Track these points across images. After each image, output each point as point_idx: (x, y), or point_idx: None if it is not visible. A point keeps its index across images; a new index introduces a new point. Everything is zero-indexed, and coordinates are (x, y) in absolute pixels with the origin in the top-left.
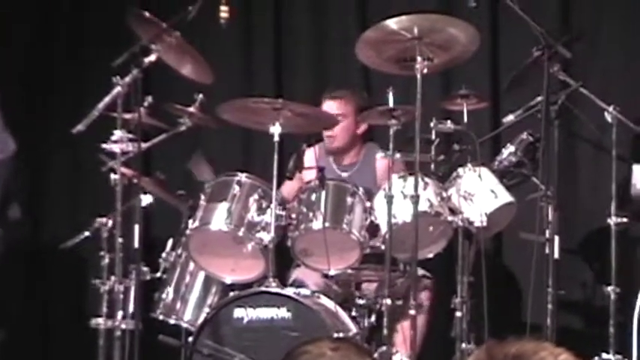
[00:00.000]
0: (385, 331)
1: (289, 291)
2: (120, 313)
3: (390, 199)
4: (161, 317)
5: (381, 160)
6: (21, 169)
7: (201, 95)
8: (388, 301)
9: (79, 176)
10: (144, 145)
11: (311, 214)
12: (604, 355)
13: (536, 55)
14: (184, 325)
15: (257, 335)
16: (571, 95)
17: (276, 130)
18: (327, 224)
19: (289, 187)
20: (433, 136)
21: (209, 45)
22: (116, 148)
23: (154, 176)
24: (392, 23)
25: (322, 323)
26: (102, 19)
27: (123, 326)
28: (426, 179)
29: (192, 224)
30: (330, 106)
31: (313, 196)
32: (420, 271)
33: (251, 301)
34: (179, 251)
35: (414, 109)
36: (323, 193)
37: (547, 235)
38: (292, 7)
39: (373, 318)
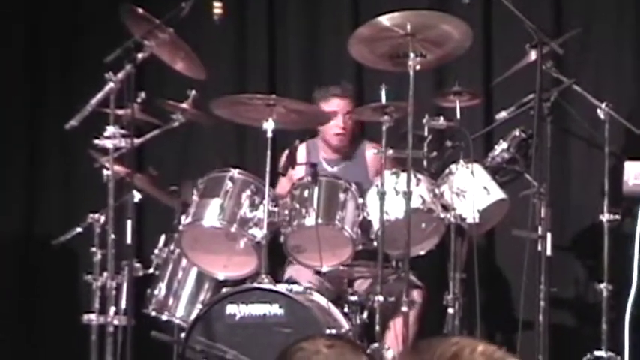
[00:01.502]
0: (377, 328)
1: (282, 287)
2: (112, 309)
3: (382, 195)
4: (153, 313)
5: (373, 156)
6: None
7: (194, 91)
8: (380, 298)
9: (72, 172)
10: (137, 141)
11: (303, 211)
12: (596, 352)
13: (529, 59)
14: (177, 321)
15: (249, 331)
16: (564, 92)
17: (269, 126)
18: (319, 221)
19: (282, 184)
20: (426, 133)
21: (202, 41)
22: (109, 144)
23: (147, 172)
24: (385, 20)
25: (314, 320)
26: (95, 15)
27: (115, 322)
28: (419, 176)
29: (185, 220)
30: (338, 104)
31: (306, 193)
32: (411, 277)
33: (243, 298)
34: (171, 247)
35: (406, 105)
36: (315, 190)
37: (539, 231)
38: (285, 4)
39: (365, 314)
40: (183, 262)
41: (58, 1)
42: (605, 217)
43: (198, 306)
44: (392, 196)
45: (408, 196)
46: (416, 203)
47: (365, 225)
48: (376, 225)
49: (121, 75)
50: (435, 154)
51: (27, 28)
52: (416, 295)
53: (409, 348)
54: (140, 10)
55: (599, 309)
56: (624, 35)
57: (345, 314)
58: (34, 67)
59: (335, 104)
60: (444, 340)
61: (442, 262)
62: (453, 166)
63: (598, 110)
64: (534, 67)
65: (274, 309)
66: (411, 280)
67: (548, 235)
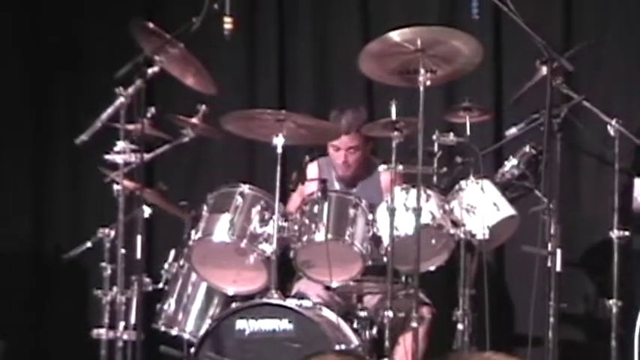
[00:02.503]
0: (387, 344)
1: (291, 302)
2: (122, 324)
3: (392, 211)
4: (163, 328)
5: (384, 173)
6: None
7: (204, 106)
8: (390, 314)
9: (82, 187)
10: (146, 156)
11: (313, 226)
12: None
13: (541, 75)
14: (186, 336)
15: (259, 347)
16: (574, 108)
17: (279, 141)
18: (329, 236)
19: (292, 200)
20: (436, 149)
21: (213, 56)
22: (119, 159)
23: (157, 187)
24: (395, 35)
25: (324, 335)
26: (105, 30)
27: (125, 337)
28: (429, 192)
29: (195, 235)
30: (340, 140)
31: (316, 208)
32: (420, 295)
33: (253, 313)
34: (181, 262)
35: (416, 121)
36: (325, 205)
37: (549, 248)
38: (296, 20)
39: (375, 330)
40: (193, 277)
41: (69, 15)
42: (615, 234)
43: (208, 321)
44: (402, 212)
45: (417, 212)
46: (426, 219)
47: (375, 241)
48: (386, 241)
49: (131, 90)
50: (444, 169)
51: (37, 42)
52: (425, 311)
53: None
54: (151, 25)
55: (608, 325)
56: (634, 51)
57: (355, 330)
58: (44, 81)
59: (336, 140)
60: (476, 355)
61: (452, 278)
62: (462, 182)
63: (608, 126)
64: (544, 83)
65: (284, 324)
66: (420, 296)
67: (558, 252)
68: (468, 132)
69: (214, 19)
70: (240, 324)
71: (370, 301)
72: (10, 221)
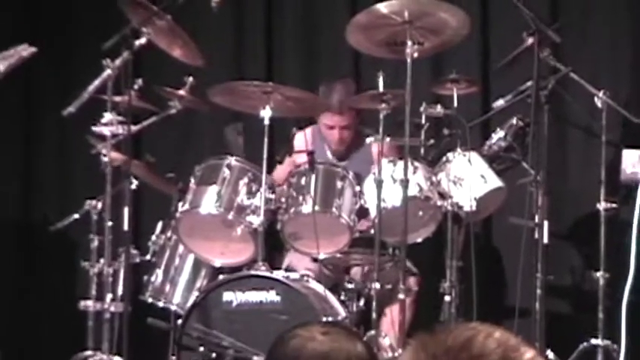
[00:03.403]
0: (374, 315)
1: (278, 274)
2: (109, 296)
3: (379, 183)
4: (150, 300)
5: (373, 145)
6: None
7: (191, 78)
8: (377, 286)
9: (69, 158)
10: (134, 128)
11: (301, 198)
12: (593, 341)
13: (528, 44)
14: (173, 307)
15: (246, 318)
16: (561, 80)
17: (266, 113)
18: (316, 208)
19: (280, 172)
20: (423, 121)
21: (200, 28)
22: (106, 130)
23: (144, 159)
24: (382, 7)
25: (311, 307)
26: (93, 2)
27: (112, 309)
28: (416, 163)
29: (182, 207)
30: (332, 119)
31: (303, 180)
32: (407, 264)
33: (240, 285)
34: (168, 234)
35: (404, 93)
36: (313, 177)
37: (536, 219)
38: None
39: (362, 302)
40: (180, 248)
41: None
42: (602, 205)
43: (195, 293)
44: (389, 184)
45: (405, 183)
46: (413, 191)
47: (362, 212)
48: (373, 212)
49: (118, 62)
50: (432, 141)
51: (24, 13)
52: (412, 282)
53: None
54: None
55: (595, 297)
56: (622, 23)
57: (342, 302)
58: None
59: (329, 119)
60: (462, 325)
61: (439, 250)
62: (450, 154)
63: (595, 98)
64: (531, 55)
65: (271, 296)
66: (408, 267)
67: (545, 223)
68: (455, 104)
69: None
70: (228, 296)
71: (357, 272)
72: None
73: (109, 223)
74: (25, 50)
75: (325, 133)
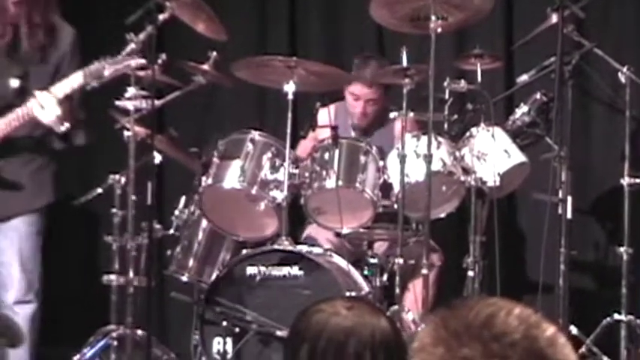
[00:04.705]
0: (397, 290)
1: (302, 249)
2: (132, 270)
3: (403, 158)
4: (173, 274)
5: (397, 120)
6: None
7: (215, 53)
8: (400, 261)
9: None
10: (157, 103)
11: (324, 173)
12: (616, 316)
13: (551, 20)
14: (197, 282)
15: (269, 293)
16: (585, 55)
17: (290, 88)
18: (340, 183)
19: (303, 147)
20: (447, 96)
21: (223, 3)
22: (129, 105)
23: (168, 133)
24: None
25: (334, 282)
26: None
27: (135, 283)
28: (439, 138)
29: (205, 182)
30: (360, 91)
31: (326, 155)
32: (431, 242)
33: (264, 259)
34: (192, 208)
35: (427, 68)
36: (336, 152)
37: (560, 195)
38: None
39: (385, 277)
40: (204, 223)
41: None
42: (625, 181)
43: (219, 267)
44: (412, 159)
45: (428, 158)
46: (436, 166)
47: (385, 187)
48: (397, 187)
49: (142, 36)
50: (455, 117)
51: None
52: (435, 258)
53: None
54: None
55: (619, 272)
56: None
57: (365, 276)
58: None
59: (358, 89)
60: (481, 301)
61: (462, 225)
62: (473, 129)
63: (619, 74)
64: (555, 31)
65: (294, 271)
66: (430, 243)
67: (569, 199)
68: (479, 79)
69: None
70: (251, 270)
71: (380, 247)
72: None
73: (133, 198)
74: (135, 61)
75: (350, 104)
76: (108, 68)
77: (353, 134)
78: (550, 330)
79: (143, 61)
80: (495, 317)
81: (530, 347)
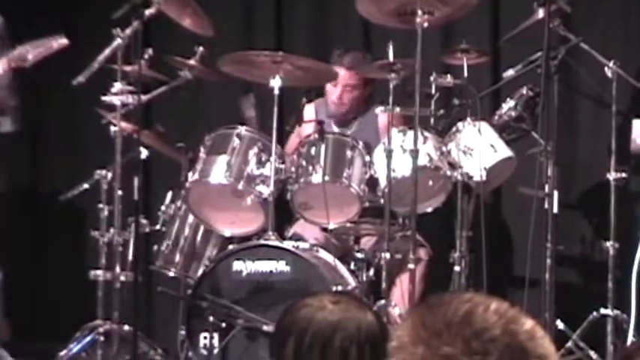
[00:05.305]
0: (384, 285)
1: (288, 244)
2: (119, 266)
3: (389, 153)
4: (160, 270)
5: (381, 115)
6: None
7: (201, 48)
8: (387, 255)
9: (79, 128)
10: (144, 98)
11: (310, 168)
12: (602, 311)
13: (538, 15)
14: (183, 277)
15: (256, 288)
16: (571, 50)
17: (276, 83)
18: (326, 178)
19: (290, 142)
20: (433, 91)
21: None
22: (116, 100)
23: (154, 129)
24: None
25: (321, 277)
26: None
27: (122, 278)
28: (426, 133)
29: (192, 177)
30: (341, 77)
31: (313, 150)
32: (417, 237)
33: (250, 255)
34: (178, 204)
35: (414, 62)
36: (322, 147)
37: (546, 189)
38: None
39: (372, 272)
40: (190, 218)
41: None
42: (612, 176)
43: (205, 262)
44: (399, 154)
45: (415, 153)
46: (423, 161)
47: (372, 182)
48: (383, 182)
49: (128, 31)
50: (442, 111)
51: None
52: (422, 252)
53: (420, 303)
54: None
55: (605, 267)
56: None
57: (352, 271)
58: (39, 22)
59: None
60: (457, 297)
61: (449, 220)
62: (460, 124)
63: (606, 68)
64: (542, 25)
65: (281, 266)
66: (417, 238)
67: (555, 193)
68: (466, 74)
69: None
70: (237, 265)
71: (367, 242)
72: (6, 162)
73: (119, 193)
74: (57, 42)
75: (328, 92)
76: (31, 51)
77: (334, 128)
78: (528, 324)
79: (66, 41)
80: (473, 314)
81: (510, 342)
